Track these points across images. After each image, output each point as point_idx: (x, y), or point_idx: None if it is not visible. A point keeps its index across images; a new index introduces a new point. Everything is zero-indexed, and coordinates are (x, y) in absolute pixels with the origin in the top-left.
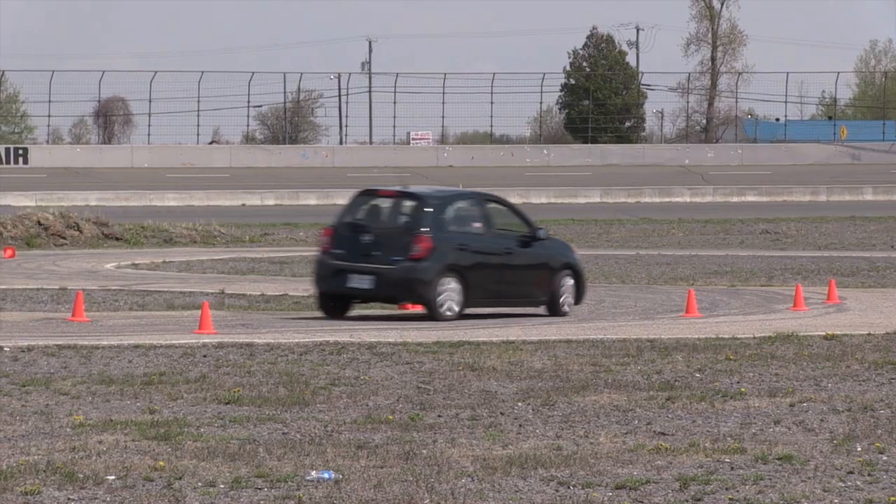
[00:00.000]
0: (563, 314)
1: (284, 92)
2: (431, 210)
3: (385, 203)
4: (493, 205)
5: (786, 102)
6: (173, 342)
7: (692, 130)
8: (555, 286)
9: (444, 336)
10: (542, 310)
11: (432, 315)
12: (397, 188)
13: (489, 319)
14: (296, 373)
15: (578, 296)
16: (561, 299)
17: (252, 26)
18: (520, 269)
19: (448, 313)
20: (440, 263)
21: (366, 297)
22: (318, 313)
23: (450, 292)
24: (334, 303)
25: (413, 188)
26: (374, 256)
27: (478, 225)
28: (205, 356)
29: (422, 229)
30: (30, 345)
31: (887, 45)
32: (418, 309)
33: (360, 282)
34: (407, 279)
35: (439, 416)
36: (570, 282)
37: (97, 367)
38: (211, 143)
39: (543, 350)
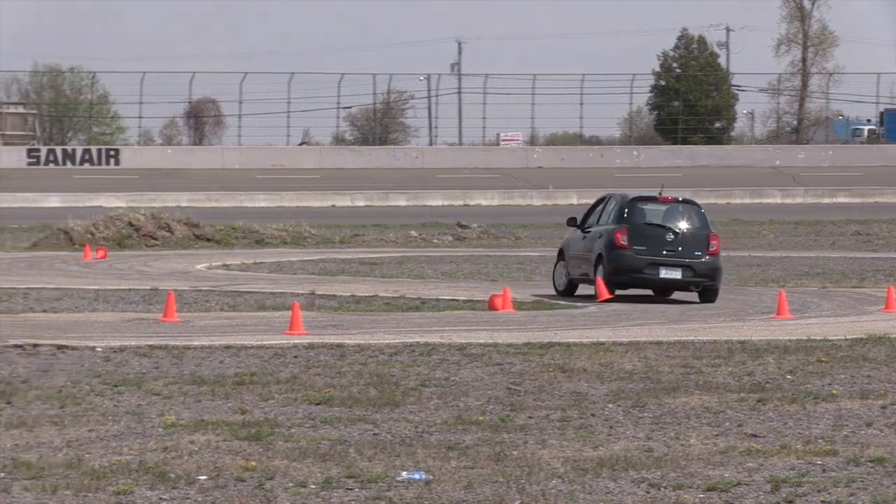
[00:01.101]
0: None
1: (374, 93)
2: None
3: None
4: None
5: (877, 103)
6: (264, 343)
7: (783, 131)
8: None
9: (534, 337)
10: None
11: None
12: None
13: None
14: (386, 374)
15: None
16: None
17: (342, 28)
18: None
19: None
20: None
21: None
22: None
23: None
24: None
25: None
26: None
27: None
28: (295, 357)
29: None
30: (122, 345)
31: None
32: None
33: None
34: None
35: (530, 417)
36: None
37: (189, 367)
38: (301, 144)
39: (634, 351)
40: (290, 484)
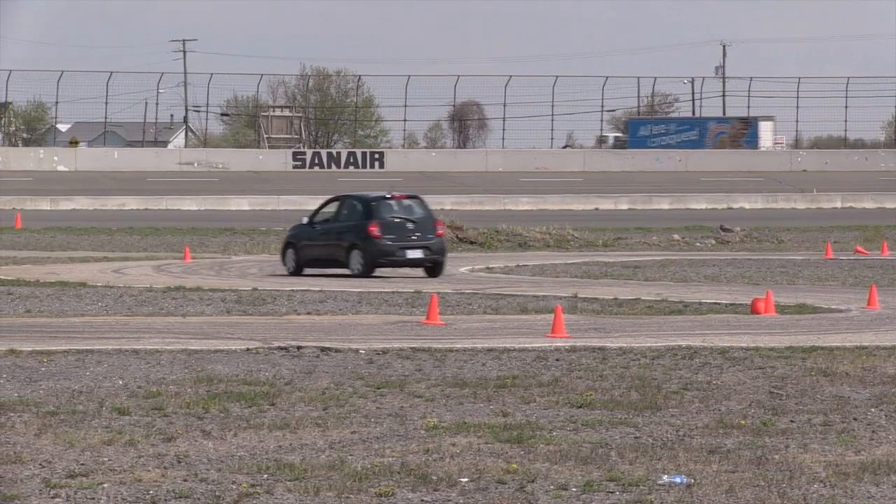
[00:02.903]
0: None
1: (638, 96)
2: None
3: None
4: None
5: None
6: (526, 346)
7: None
8: None
9: (796, 341)
10: None
11: None
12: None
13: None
14: (648, 377)
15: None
16: None
17: (606, 30)
18: None
19: None
20: None
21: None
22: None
23: None
24: None
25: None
26: None
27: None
28: (557, 360)
29: None
30: (384, 347)
31: None
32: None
33: None
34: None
35: (791, 421)
36: None
37: (451, 369)
38: (564, 147)
39: None
40: (551, 486)
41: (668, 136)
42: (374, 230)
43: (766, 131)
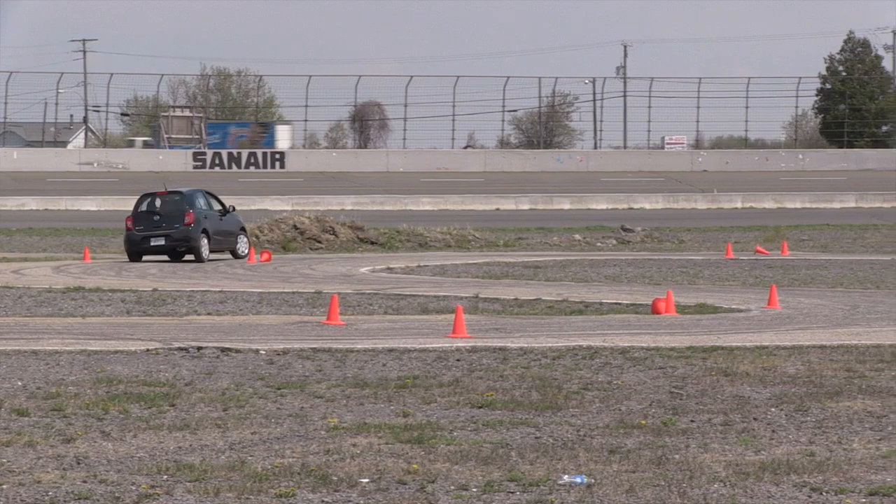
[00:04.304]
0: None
1: (539, 96)
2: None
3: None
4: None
5: None
6: (427, 346)
7: None
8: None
9: (697, 341)
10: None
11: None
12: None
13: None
14: (548, 377)
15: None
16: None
17: (507, 31)
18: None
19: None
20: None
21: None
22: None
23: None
24: None
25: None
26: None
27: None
28: (458, 360)
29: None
30: (285, 348)
31: None
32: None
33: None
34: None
35: (692, 421)
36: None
37: (352, 370)
38: (465, 147)
39: (797, 355)
40: (452, 487)
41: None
42: (128, 222)
43: (283, 134)
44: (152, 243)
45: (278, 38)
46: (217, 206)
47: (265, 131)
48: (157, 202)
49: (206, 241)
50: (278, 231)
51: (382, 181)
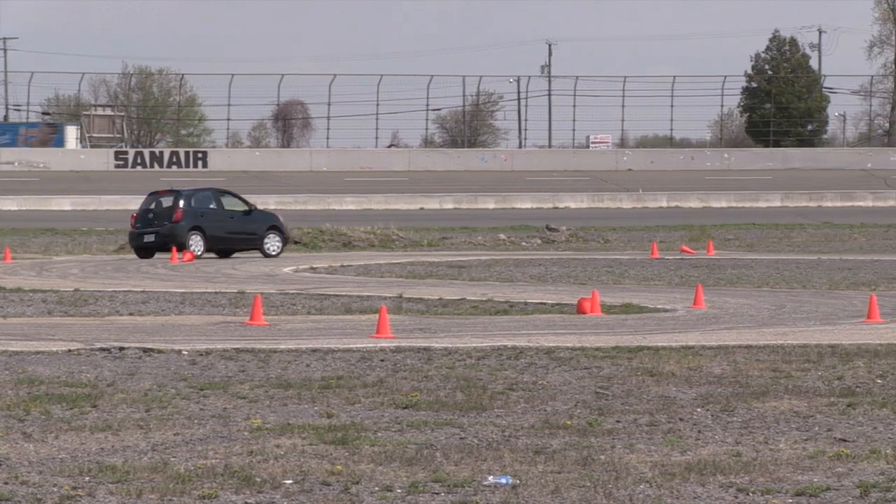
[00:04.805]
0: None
1: (464, 95)
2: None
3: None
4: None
5: None
6: (351, 346)
7: (875, 134)
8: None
9: (622, 341)
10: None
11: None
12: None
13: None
14: (473, 377)
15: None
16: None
17: (431, 30)
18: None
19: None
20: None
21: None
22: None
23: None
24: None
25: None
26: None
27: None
28: (382, 360)
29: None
30: (208, 348)
31: None
32: None
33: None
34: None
35: (617, 421)
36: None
37: (275, 370)
38: (389, 146)
39: (723, 355)
40: (376, 488)
41: None
42: (131, 220)
43: (71, 135)
44: (145, 240)
45: (201, 36)
46: (239, 206)
47: (54, 132)
48: (157, 201)
49: (198, 238)
50: None
51: (306, 180)
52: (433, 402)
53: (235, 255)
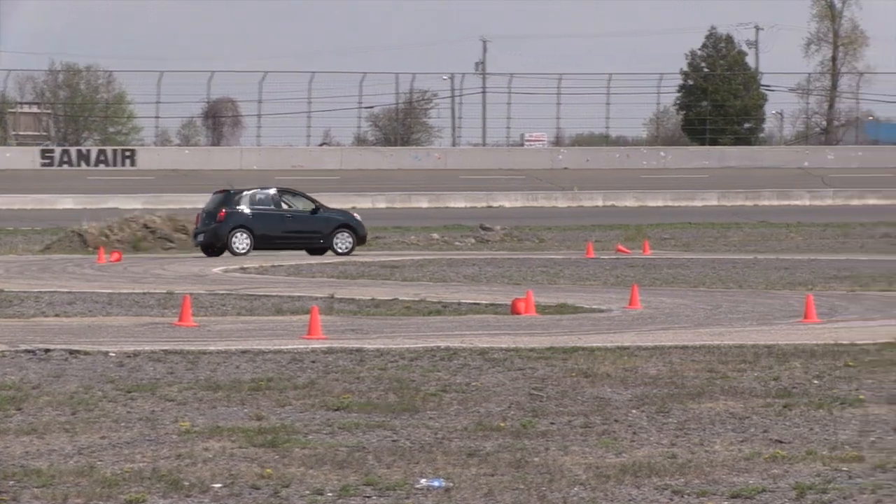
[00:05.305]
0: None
1: (397, 93)
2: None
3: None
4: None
5: None
6: (282, 347)
7: (812, 132)
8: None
9: (557, 342)
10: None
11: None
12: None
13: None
14: (406, 379)
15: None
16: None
17: (364, 26)
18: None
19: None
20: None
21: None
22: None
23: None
24: None
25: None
26: None
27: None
28: (314, 362)
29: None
30: (136, 350)
31: None
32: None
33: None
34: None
35: (552, 423)
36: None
37: (204, 372)
38: (321, 144)
39: (658, 356)
40: (307, 491)
41: None
42: (196, 219)
43: None
44: (199, 240)
45: (129, 33)
46: (305, 206)
47: None
48: (214, 201)
49: (243, 237)
50: (129, 230)
51: (236, 179)
52: (365, 403)
53: (290, 252)
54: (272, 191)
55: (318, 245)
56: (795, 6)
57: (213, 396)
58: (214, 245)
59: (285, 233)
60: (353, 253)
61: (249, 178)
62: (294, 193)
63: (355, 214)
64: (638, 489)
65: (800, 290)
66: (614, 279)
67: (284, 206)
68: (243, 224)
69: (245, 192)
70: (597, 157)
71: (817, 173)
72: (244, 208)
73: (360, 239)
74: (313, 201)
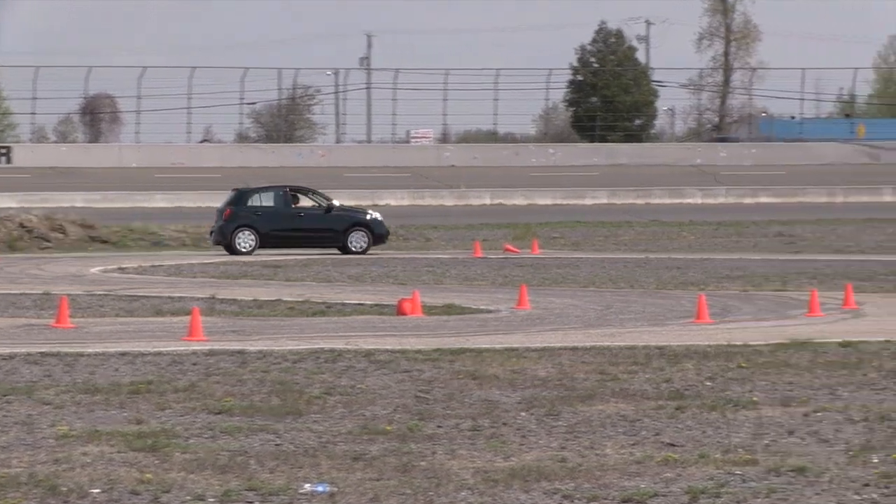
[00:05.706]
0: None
1: (279, 88)
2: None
3: None
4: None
5: (802, 100)
6: (161, 349)
7: (704, 129)
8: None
9: (444, 343)
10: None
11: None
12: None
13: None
14: (289, 381)
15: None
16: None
17: (246, 21)
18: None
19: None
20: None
21: None
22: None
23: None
24: None
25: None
26: None
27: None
28: (194, 364)
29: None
30: (11, 352)
31: None
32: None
33: None
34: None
35: (439, 426)
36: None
37: (82, 375)
38: (202, 141)
39: (548, 357)
40: (188, 497)
41: None
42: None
43: None
44: (212, 238)
45: (4, 27)
46: (318, 204)
47: None
48: (226, 199)
49: (248, 235)
50: (4, 230)
51: (114, 177)
52: (247, 407)
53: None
54: (283, 189)
55: (330, 244)
56: (687, 1)
57: (92, 400)
58: (221, 243)
59: (294, 231)
60: (369, 252)
61: (129, 176)
62: (306, 191)
63: (376, 214)
64: (527, 494)
65: (692, 290)
66: (502, 279)
67: (300, 204)
68: (248, 223)
69: (255, 191)
70: (484, 154)
71: (710, 171)
72: (250, 207)
73: (376, 238)
74: (328, 200)
